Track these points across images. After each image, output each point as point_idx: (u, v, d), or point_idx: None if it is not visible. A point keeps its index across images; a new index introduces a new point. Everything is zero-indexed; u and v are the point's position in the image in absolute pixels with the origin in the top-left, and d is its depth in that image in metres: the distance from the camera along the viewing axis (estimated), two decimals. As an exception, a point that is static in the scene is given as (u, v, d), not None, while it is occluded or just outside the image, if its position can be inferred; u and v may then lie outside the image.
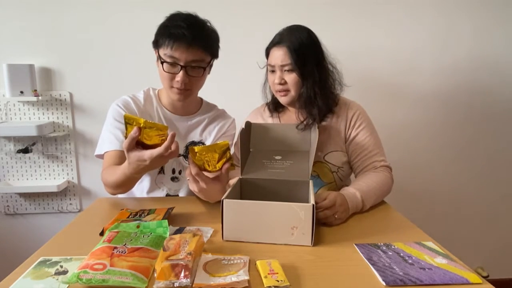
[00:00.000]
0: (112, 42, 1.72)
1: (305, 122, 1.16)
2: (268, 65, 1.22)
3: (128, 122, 0.86)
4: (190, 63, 1.08)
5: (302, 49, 1.14)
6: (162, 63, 1.09)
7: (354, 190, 1.03)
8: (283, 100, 1.21)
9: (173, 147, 0.88)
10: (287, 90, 1.18)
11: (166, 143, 0.87)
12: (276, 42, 1.18)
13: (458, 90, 1.84)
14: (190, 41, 1.05)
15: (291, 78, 1.16)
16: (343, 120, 1.23)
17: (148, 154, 0.88)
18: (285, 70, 1.16)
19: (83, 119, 1.78)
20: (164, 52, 1.07)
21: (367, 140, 1.20)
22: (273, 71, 1.19)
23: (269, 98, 1.32)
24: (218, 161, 0.91)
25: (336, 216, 0.94)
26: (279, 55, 1.16)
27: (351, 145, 1.22)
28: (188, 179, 0.94)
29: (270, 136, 1.14)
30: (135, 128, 0.86)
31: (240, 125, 1.32)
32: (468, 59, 1.81)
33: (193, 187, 0.94)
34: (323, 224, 0.93)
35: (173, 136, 0.88)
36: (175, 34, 1.05)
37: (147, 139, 0.88)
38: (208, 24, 1.14)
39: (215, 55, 1.16)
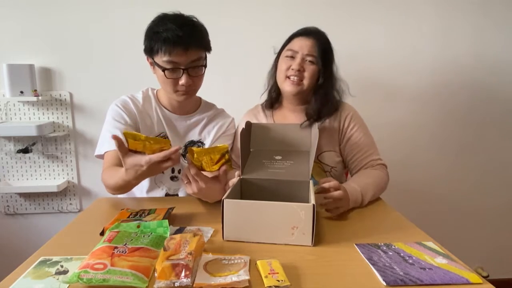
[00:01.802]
0: (112, 42, 1.72)
1: (310, 120, 1.18)
2: (287, 50, 1.21)
3: (129, 138, 0.85)
4: (190, 64, 1.08)
5: (327, 48, 1.20)
6: (163, 70, 1.07)
7: (354, 185, 1.06)
8: (291, 88, 1.18)
9: (173, 156, 0.87)
10: (301, 80, 1.18)
11: (166, 152, 0.85)
12: (303, 32, 1.21)
13: (457, 90, 1.84)
14: (186, 43, 1.04)
15: (311, 69, 1.17)
16: (337, 121, 1.24)
17: (146, 159, 0.86)
18: (307, 60, 1.17)
19: (83, 119, 1.78)
20: (162, 58, 1.06)
21: (362, 140, 1.22)
22: (292, 57, 1.19)
23: (270, 86, 1.31)
24: (216, 163, 0.91)
25: (338, 208, 0.96)
26: (307, 44, 1.18)
27: (347, 146, 1.23)
28: (186, 183, 0.93)
29: (271, 136, 1.14)
30: (120, 139, 0.85)
31: (237, 125, 1.33)
32: (467, 59, 1.81)
33: (190, 189, 0.94)
34: (325, 209, 0.96)
35: (177, 149, 0.86)
36: (170, 38, 1.03)
37: (149, 150, 0.88)
38: (195, 20, 1.12)
39: (209, 49, 1.16)
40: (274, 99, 1.30)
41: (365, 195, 1.06)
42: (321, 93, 1.21)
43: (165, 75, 1.08)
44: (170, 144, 0.90)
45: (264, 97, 1.35)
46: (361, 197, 1.05)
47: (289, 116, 1.28)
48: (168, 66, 1.06)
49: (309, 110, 1.22)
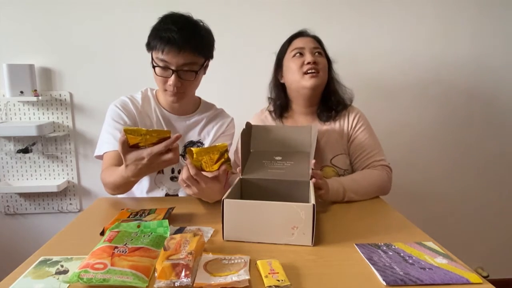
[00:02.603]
0: (112, 42, 1.72)
1: (331, 113, 1.23)
2: (292, 50, 1.22)
3: (130, 134, 0.86)
4: (181, 67, 1.07)
5: (324, 47, 1.26)
6: (154, 67, 1.09)
7: (339, 179, 1.10)
8: (312, 81, 1.18)
9: (174, 145, 0.88)
10: (318, 72, 1.18)
11: (167, 141, 0.87)
12: (300, 33, 1.25)
13: (457, 90, 1.84)
14: (180, 45, 1.04)
15: (322, 60, 1.21)
16: (345, 123, 1.26)
17: (147, 151, 0.88)
18: (316, 53, 1.20)
19: (83, 119, 1.78)
20: (156, 55, 1.07)
21: (367, 141, 1.23)
22: (300, 54, 1.20)
23: (273, 96, 1.32)
24: (215, 162, 0.91)
25: (319, 188, 1.00)
26: (309, 40, 1.22)
27: (352, 146, 1.24)
28: (185, 186, 0.93)
29: (271, 137, 1.14)
30: (122, 132, 0.86)
31: (238, 126, 1.33)
32: (467, 60, 1.81)
33: (190, 191, 0.94)
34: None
35: (177, 137, 0.88)
36: (165, 38, 1.04)
37: (149, 143, 0.88)
38: (201, 25, 1.12)
39: (209, 56, 1.15)
40: (283, 107, 1.29)
41: (347, 189, 1.07)
42: (332, 90, 1.25)
43: (155, 72, 1.10)
44: (170, 135, 0.90)
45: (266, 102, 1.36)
46: (343, 190, 1.06)
47: (300, 121, 1.28)
48: (160, 64, 1.07)
49: (320, 111, 1.25)
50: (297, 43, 1.22)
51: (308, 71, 1.17)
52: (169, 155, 0.90)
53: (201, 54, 1.11)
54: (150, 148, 0.88)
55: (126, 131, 0.86)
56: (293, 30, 1.29)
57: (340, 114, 1.26)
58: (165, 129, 1.21)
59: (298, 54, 1.20)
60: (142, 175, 0.98)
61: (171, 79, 1.08)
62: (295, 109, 1.29)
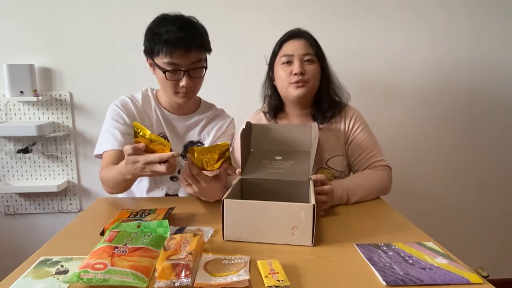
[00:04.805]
0: (112, 42, 1.72)
1: (326, 115, 1.21)
2: (282, 56, 1.19)
3: (136, 130, 0.87)
4: (191, 66, 1.07)
5: (318, 45, 1.20)
6: (164, 72, 1.07)
7: (342, 183, 1.08)
8: (298, 92, 1.16)
9: (171, 161, 0.86)
10: (306, 82, 1.16)
11: (163, 154, 0.85)
12: (292, 35, 1.20)
13: (457, 89, 1.84)
14: (187, 45, 1.04)
15: (312, 68, 1.17)
16: (342, 123, 1.24)
17: (143, 157, 0.86)
18: (305, 60, 1.16)
19: (83, 119, 1.78)
20: (163, 60, 1.06)
21: (366, 141, 1.22)
22: (289, 62, 1.17)
23: (267, 96, 1.31)
24: (216, 161, 0.91)
25: (325, 202, 0.99)
26: (300, 45, 1.17)
27: (351, 147, 1.23)
28: (186, 185, 0.93)
29: (271, 137, 1.14)
30: (142, 144, 0.86)
31: (238, 126, 1.33)
32: (468, 59, 1.81)
33: (191, 190, 0.93)
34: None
35: (173, 155, 0.85)
36: (170, 40, 1.03)
37: (149, 150, 0.88)
38: (196, 20, 1.12)
39: (209, 50, 1.15)
40: (277, 108, 1.28)
41: (351, 193, 1.07)
42: (324, 93, 1.22)
43: (165, 77, 1.07)
44: (171, 149, 0.88)
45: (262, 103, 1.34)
46: (347, 195, 1.06)
47: (295, 122, 1.27)
48: (169, 68, 1.06)
49: (314, 112, 1.23)
50: (287, 48, 1.18)
51: (295, 81, 1.15)
52: (162, 167, 0.86)
53: (204, 49, 1.11)
54: (147, 155, 0.86)
55: (135, 126, 0.87)
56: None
57: (337, 115, 1.24)
58: (165, 129, 1.22)
59: (286, 63, 1.17)
60: (138, 176, 0.98)
61: (184, 80, 1.08)
62: (289, 112, 1.28)
